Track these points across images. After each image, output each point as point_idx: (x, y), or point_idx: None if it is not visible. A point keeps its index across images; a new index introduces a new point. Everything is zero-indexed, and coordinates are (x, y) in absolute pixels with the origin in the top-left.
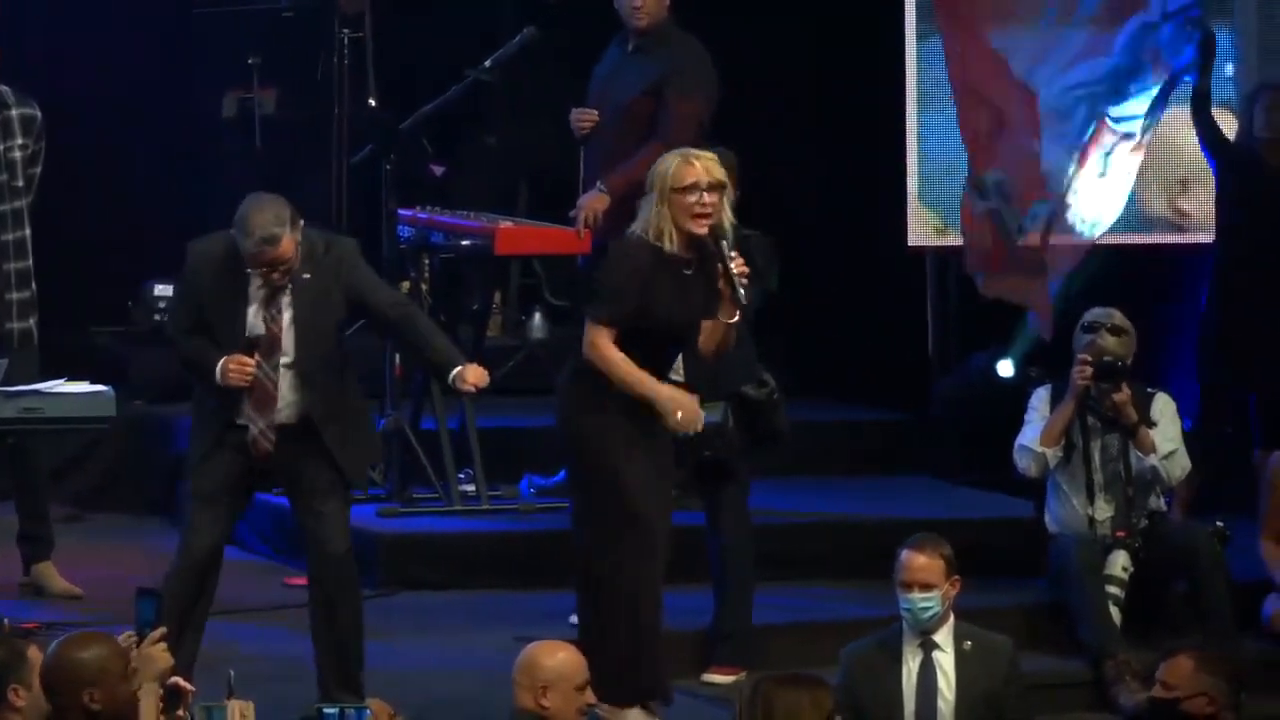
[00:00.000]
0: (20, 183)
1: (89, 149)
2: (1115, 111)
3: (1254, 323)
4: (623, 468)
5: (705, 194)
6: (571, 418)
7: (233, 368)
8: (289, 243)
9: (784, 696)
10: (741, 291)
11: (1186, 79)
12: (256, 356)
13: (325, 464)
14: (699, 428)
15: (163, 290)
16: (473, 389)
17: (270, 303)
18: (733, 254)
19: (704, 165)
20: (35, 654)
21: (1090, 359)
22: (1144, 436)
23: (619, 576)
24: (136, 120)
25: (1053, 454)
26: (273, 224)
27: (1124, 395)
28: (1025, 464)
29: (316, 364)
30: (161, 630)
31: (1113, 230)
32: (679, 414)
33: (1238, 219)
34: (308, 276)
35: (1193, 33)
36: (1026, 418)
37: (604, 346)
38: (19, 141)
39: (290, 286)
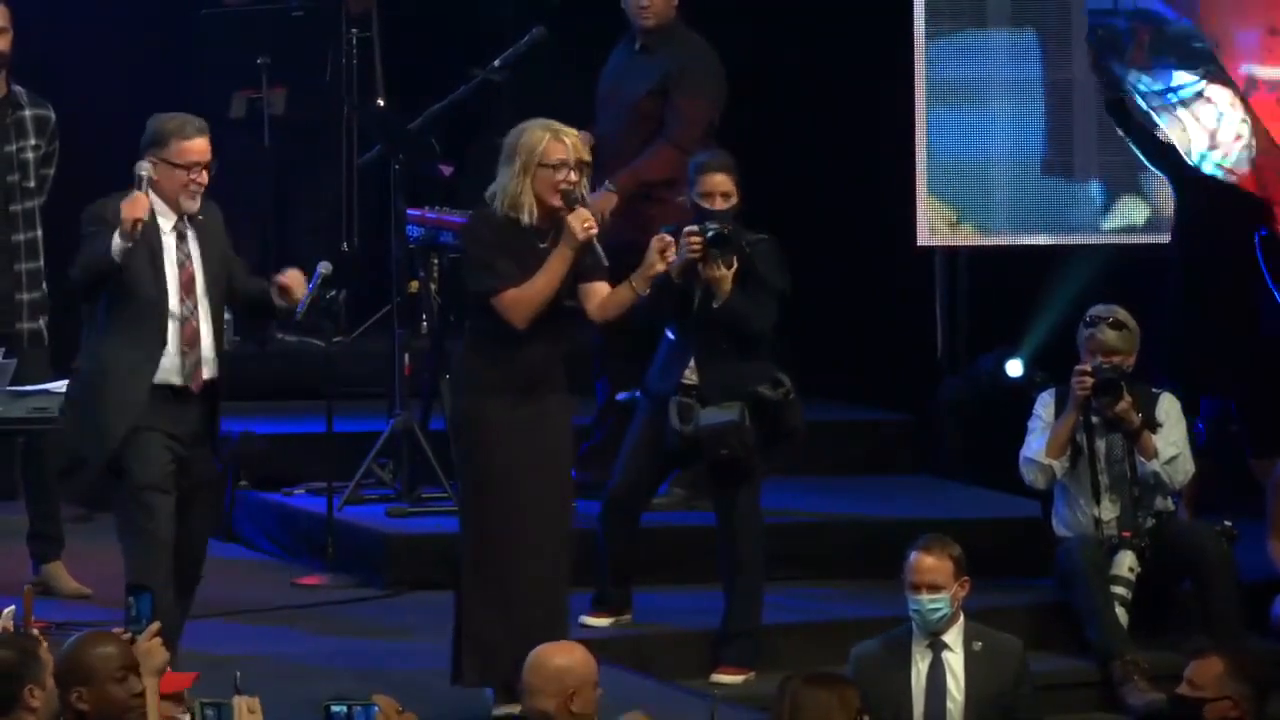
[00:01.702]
0: (32, 183)
1: (97, 150)
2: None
3: (1218, 328)
4: (497, 453)
5: (571, 171)
6: (455, 405)
7: (127, 205)
8: None
9: (812, 696)
10: (600, 251)
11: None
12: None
13: (209, 452)
14: (594, 226)
15: None
16: (292, 288)
17: (181, 241)
18: (579, 210)
19: (573, 142)
20: (48, 654)
21: (1089, 371)
22: (1146, 441)
23: (488, 563)
24: (143, 120)
25: (1059, 465)
26: (193, 118)
27: (1125, 403)
28: (1032, 477)
29: (219, 312)
30: (156, 625)
31: (1127, 230)
32: (580, 222)
33: (1194, 221)
34: (202, 218)
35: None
36: (1030, 425)
37: (515, 296)
38: (32, 142)
39: (192, 227)
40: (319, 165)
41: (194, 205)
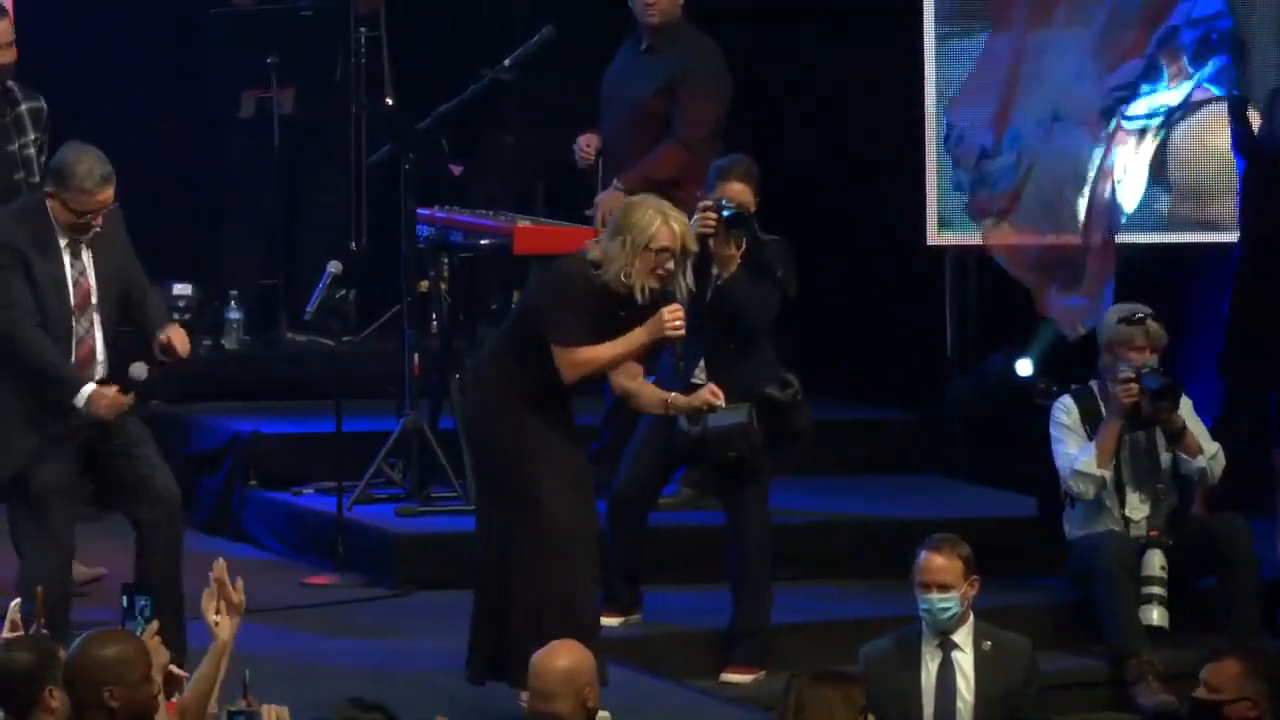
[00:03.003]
0: (37, 178)
1: (105, 149)
2: (1130, 110)
3: (1277, 322)
4: (543, 479)
5: (672, 260)
6: (488, 431)
7: (106, 404)
8: None
9: (817, 693)
10: (679, 351)
11: (1209, 85)
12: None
13: (129, 415)
14: (683, 327)
15: (181, 290)
16: (178, 350)
17: (76, 258)
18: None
19: (681, 230)
20: (65, 654)
21: (1135, 378)
22: (1190, 440)
23: (553, 586)
24: (153, 121)
25: (1109, 473)
26: (105, 162)
27: (1180, 424)
28: (1081, 488)
29: (115, 315)
30: (156, 624)
31: (1131, 229)
32: (670, 320)
33: (1261, 218)
34: (97, 228)
35: (1221, 41)
36: (1056, 434)
37: (582, 356)
38: (31, 137)
39: (92, 238)
40: (328, 165)
41: (88, 237)
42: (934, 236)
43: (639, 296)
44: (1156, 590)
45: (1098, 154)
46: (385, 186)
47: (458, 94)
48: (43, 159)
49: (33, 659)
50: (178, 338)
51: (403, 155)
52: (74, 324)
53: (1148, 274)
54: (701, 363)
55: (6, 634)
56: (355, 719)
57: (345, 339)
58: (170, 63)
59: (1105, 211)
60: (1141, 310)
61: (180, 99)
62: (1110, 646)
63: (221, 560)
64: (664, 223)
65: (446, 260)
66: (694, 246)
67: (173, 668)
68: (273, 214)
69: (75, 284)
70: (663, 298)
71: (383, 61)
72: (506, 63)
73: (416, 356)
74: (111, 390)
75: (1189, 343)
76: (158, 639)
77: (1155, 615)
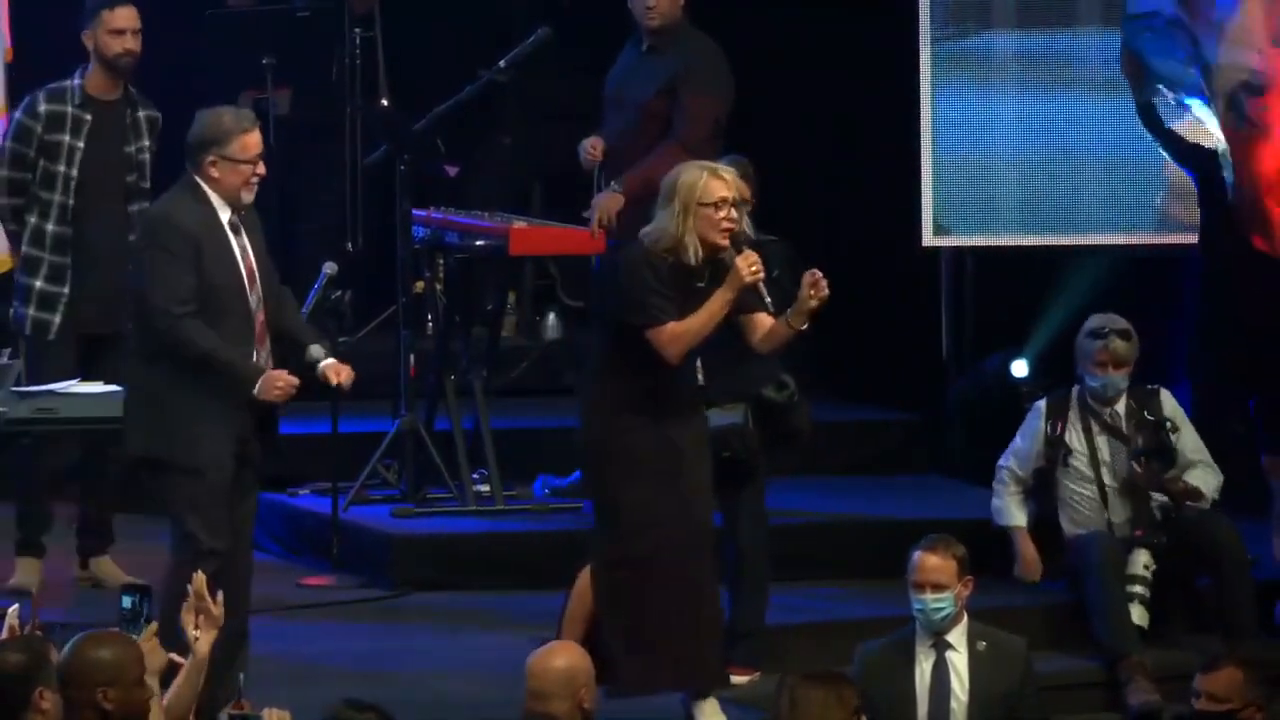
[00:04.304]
0: (148, 184)
1: None
2: None
3: (1244, 325)
4: (651, 498)
5: (732, 209)
6: (597, 439)
7: (280, 385)
8: None
9: (810, 694)
10: (764, 290)
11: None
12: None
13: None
14: (760, 270)
15: None
16: (342, 385)
17: (237, 234)
18: (746, 252)
19: (732, 179)
20: (57, 656)
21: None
22: (1196, 494)
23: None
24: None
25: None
26: (245, 110)
27: (1180, 483)
28: (997, 489)
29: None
30: (154, 625)
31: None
32: (747, 266)
33: (1218, 220)
34: (244, 212)
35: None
36: (1021, 431)
37: (676, 330)
38: (146, 143)
39: (243, 219)
40: (324, 166)
41: (252, 197)
42: (929, 238)
43: (694, 259)
44: (1139, 589)
45: None
46: (381, 187)
47: (454, 95)
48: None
49: (23, 660)
50: (345, 375)
51: (399, 156)
52: (249, 299)
53: (1135, 276)
54: (699, 363)
55: (5, 637)
56: None
57: (341, 340)
58: (167, 63)
59: None
60: (1111, 325)
61: (176, 100)
62: (1102, 646)
63: (200, 574)
64: (713, 175)
65: (442, 261)
66: (748, 194)
67: (173, 656)
68: (268, 214)
69: (242, 260)
70: (737, 250)
71: (378, 62)
72: (502, 64)
73: (412, 358)
74: (283, 373)
75: (1166, 345)
76: (156, 640)
77: (1135, 614)
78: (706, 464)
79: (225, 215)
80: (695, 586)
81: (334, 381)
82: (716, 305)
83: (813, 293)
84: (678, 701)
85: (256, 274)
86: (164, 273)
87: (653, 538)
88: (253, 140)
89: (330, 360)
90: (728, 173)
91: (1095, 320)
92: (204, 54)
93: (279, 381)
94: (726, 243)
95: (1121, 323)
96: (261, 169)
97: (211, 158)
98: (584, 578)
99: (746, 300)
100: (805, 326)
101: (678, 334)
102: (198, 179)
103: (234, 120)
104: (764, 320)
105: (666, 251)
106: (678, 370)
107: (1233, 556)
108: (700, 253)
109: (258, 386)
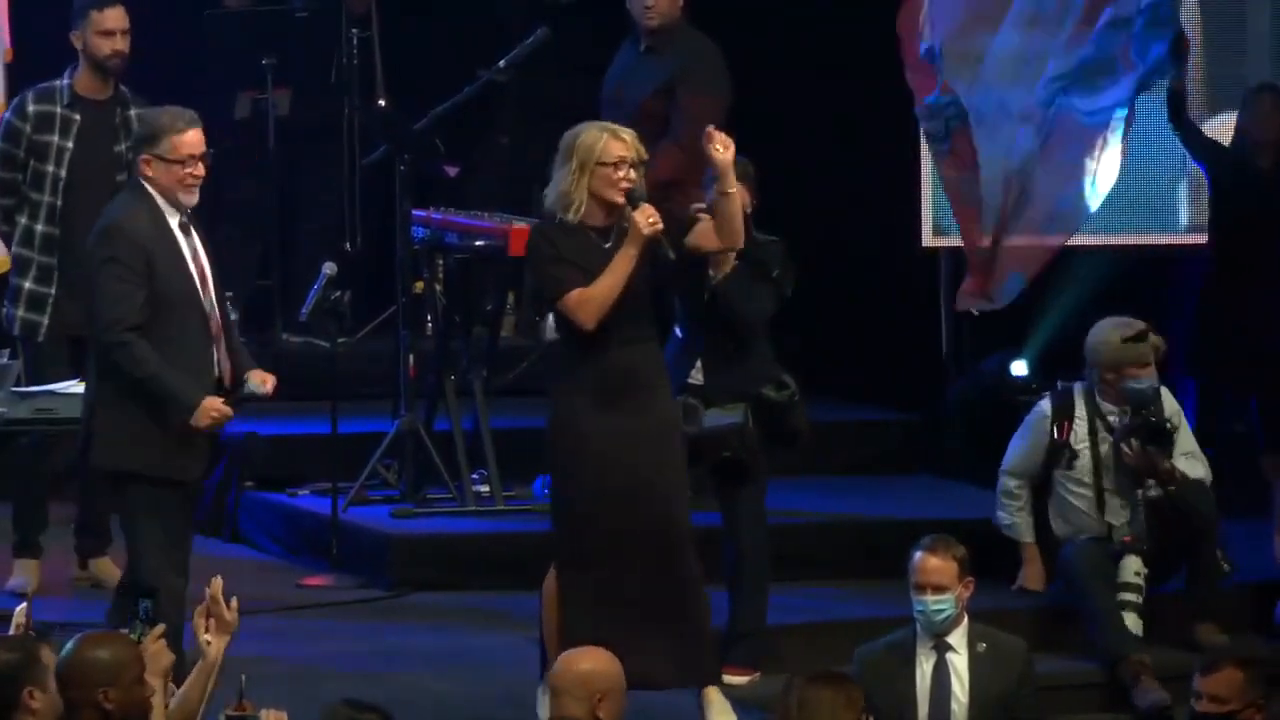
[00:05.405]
0: None
1: None
2: (1086, 105)
3: (1249, 325)
4: (589, 459)
5: (631, 169)
6: (550, 430)
7: (214, 414)
8: None
9: (817, 695)
10: (666, 244)
11: (1158, 78)
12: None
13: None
14: (659, 222)
15: None
16: (267, 392)
17: (187, 236)
18: (643, 206)
19: (631, 140)
20: (49, 655)
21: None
22: (1179, 477)
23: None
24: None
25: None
26: (184, 110)
27: (1168, 466)
28: (1006, 503)
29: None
30: (161, 627)
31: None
32: (645, 219)
33: (1229, 220)
34: (199, 179)
35: (1162, 31)
36: (1020, 430)
37: (582, 296)
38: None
39: (189, 224)
40: (324, 166)
41: (193, 199)
42: (929, 239)
43: (588, 216)
44: (1131, 597)
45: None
46: (381, 188)
47: (453, 95)
48: None
49: (13, 659)
50: (269, 381)
51: (398, 156)
52: (203, 301)
53: (1133, 275)
54: (699, 363)
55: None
56: None
57: (340, 340)
58: (166, 63)
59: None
60: (1136, 326)
61: (175, 100)
62: (1100, 650)
63: (219, 579)
64: (613, 136)
65: (441, 261)
66: (645, 154)
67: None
68: (268, 215)
69: (193, 261)
70: (632, 204)
71: (376, 63)
72: (501, 64)
73: (412, 358)
74: (217, 401)
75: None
76: (162, 641)
77: (1129, 622)
78: (671, 451)
79: (174, 219)
80: (652, 577)
81: (261, 392)
82: (621, 264)
83: (720, 147)
84: (690, 703)
85: (209, 274)
86: (113, 290)
87: (600, 526)
88: (186, 140)
89: (256, 370)
90: (628, 134)
91: (1119, 325)
92: (203, 54)
93: (212, 411)
94: (623, 200)
95: (1140, 323)
96: (200, 170)
97: (145, 156)
98: (550, 581)
99: (658, 257)
100: (734, 189)
101: (586, 298)
102: (141, 181)
103: (170, 119)
104: (705, 226)
105: (561, 211)
106: (632, 355)
107: (1208, 513)
108: (589, 209)
109: (194, 415)
